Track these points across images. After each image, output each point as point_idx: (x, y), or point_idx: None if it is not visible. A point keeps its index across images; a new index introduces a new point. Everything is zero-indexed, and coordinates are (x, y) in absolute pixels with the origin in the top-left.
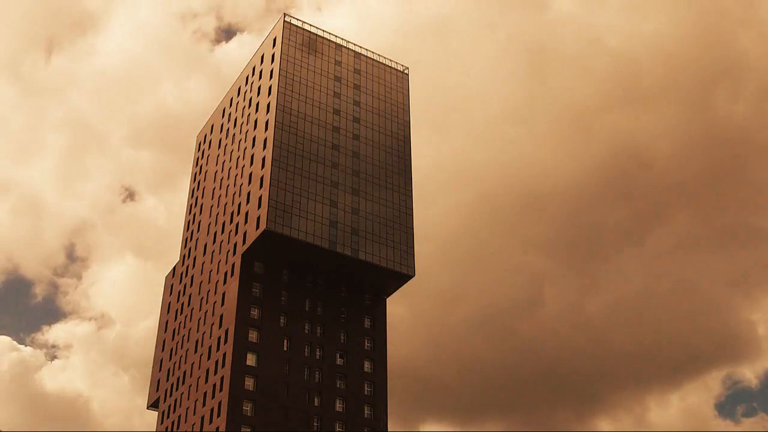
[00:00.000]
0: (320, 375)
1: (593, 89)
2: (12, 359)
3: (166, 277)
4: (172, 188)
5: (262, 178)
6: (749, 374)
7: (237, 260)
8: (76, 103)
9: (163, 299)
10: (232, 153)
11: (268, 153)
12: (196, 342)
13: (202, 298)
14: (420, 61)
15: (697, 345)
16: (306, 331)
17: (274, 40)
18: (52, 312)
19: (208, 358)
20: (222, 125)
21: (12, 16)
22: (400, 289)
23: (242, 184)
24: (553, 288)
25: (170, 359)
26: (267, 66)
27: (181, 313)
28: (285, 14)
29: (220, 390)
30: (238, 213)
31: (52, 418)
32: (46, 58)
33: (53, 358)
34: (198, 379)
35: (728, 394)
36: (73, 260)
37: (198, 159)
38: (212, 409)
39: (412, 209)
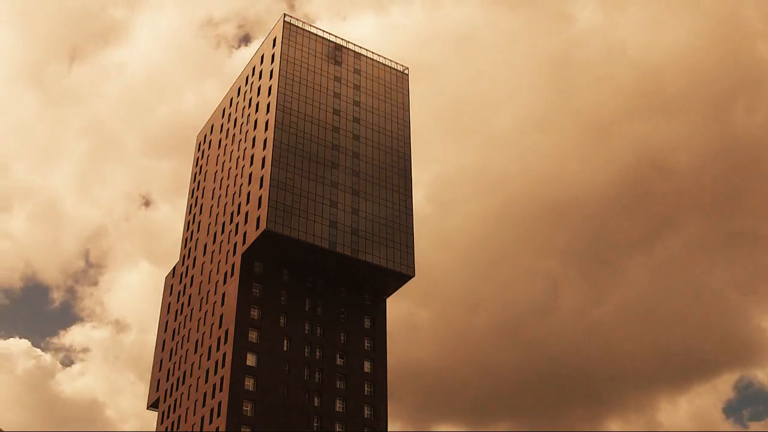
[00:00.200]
0: (320, 375)
1: (614, 99)
2: (29, 363)
3: (165, 278)
4: (186, 196)
5: (262, 178)
6: (761, 376)
7: (237, 260)
8: (96, 111)
9: (163, 299)
10: (232, 153)
11: (268, 153)
12: (196, 342)
13: (202, 299)
14: (443, 70)
15: (707, 349)
16: (306, 331)
17: (274, 40)
18: (69, 317)
19: (208, 358)
20: (222, 125)
21: (38, 24)
22: (421, 292)
23: (242, 184)
24: (568, 293)
25: (170, 359)
26: (267, 66)
27: (181, 313)
28: (285, 14)
29: (220, 390)
30: (238, 213)
31: (68, 423)
32: (69, 67)
33: (70, 363)
34: (198, 379)
35: (737, 397)
36: (90, 266)
37: (198, 159)
38: (212, 409)
39: (412, 209)
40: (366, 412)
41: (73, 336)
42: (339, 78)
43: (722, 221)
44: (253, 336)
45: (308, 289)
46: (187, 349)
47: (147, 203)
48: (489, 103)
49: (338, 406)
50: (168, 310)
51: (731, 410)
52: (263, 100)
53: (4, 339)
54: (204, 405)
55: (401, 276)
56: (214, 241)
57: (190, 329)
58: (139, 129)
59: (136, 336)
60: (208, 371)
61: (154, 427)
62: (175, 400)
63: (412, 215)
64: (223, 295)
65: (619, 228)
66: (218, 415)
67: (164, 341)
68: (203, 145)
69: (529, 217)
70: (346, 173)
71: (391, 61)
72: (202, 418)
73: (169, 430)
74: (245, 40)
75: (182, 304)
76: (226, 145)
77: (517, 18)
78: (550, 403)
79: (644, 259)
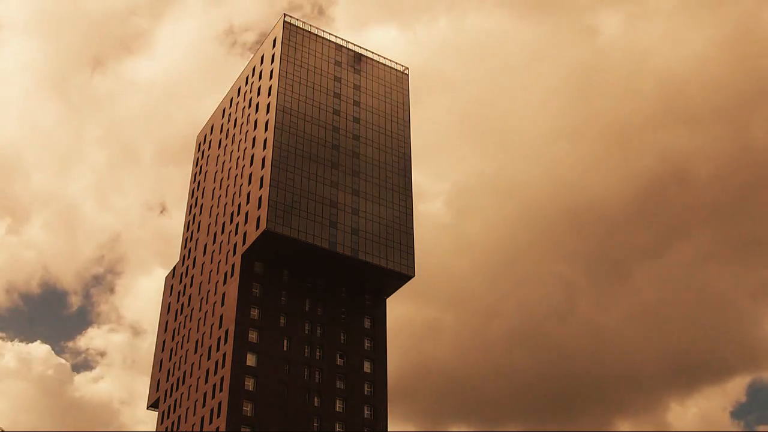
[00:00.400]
0: (320, 375)
1: (637, 109)
2: (47, 368)
3: (166, 278)
4: None
5: (262, 178)
6: None
7: (237, 260)
8: (116, 120)
9: (163, 299)
10: (232, 153)
11: (268, 153)
12: (196, 342)
13: (202, 299)
14: (465, 80)
15: (718, 353)
16: (306, 331)
17: (274, 40)
18: (86, 322)
19: (208, 359)
20: (222, 125)
21: (63, 34)
22: (444, 298)
23: (242, 184)
24: (582, 297)
25: (170, 359)
26: (267, 66)
27: (181, 313)
28: (285, 14)
29: (220, 390)
30: (238, 213)
31: (83, 427)
32: (90, 76)
33: (87, 367)
34: (198, 379)
35: (748, 401)
36: (107, 272)
37: (198, 159)
38: (212, 409)
39: (412, 209)
40: (366, 412)
41: (90, 341)
42: (339, 78)
43: (734, 229)
44: (253, 336)
45: (308, 289)
46: (187, 349)
47: (163, 210)
48: (512, 112)
49: (338, 406)
50: (168, 310)
51: (741, 413)
52: (263, 100)
53: (23, 343)
54: (204, 405)
55: (401, 276)
56: (214, 241)
57: (190, 329)
58: (158, 137)
59: (152, 340)
60: (208, 371)
61: (154, 426)
62: (175, 400)
63: (412, 215)
64: (223, 295)
65: (634, 235)
66: (218, 415)
67: (164, 341)
68: (203, 145)
69: (547, 223)
70: (346, 173)
71: (391, 60)
72: (202, 418)
73: (169, 430)
74: None
75: (182, 304)
76: (226, 145)
77: (541, 29)
78: (562, 405)
79: (657, 264)
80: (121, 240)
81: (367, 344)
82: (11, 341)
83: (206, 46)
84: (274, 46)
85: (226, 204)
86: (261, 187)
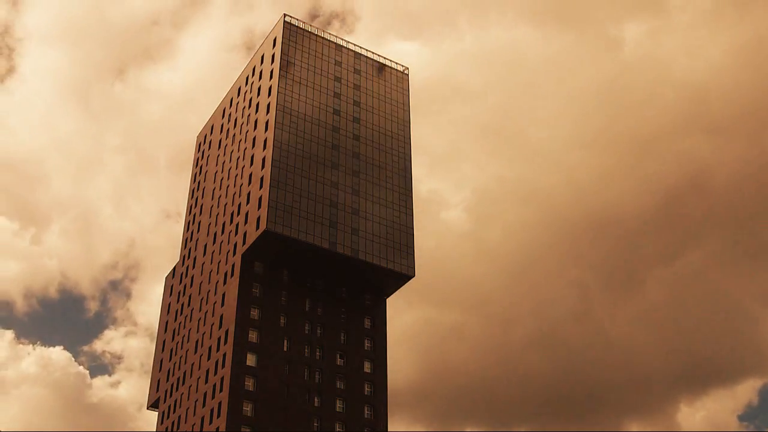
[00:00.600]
0: (320, 375)
1: (658, 118)
2: (64, 372)
3: (166, 278)
4: None
5: (262, 179)
6: None
7: (237, 261)
8: (135, 128)
9: (163, 300)
10: (232, 153)
11: (268, 153)
12: (196, 342)
13: (202, 299)
14: (488, 89)
15: (728, 357)
16: (306, 332)
17: (274, 40)
18: (103, 327)
19: (208, 359)
20: (222, 125)
21: (88, 43)
22: (462, 300)
23: (242, 184)
24: (596, 302)
25: (170, 359)
26: (267, 66)
27: (181, 313)
28: (285, 14)
29: (220, 390)
30: (238, 213)
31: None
32: (113, 84)
33: (104, 371)
34: (198, 379)
35: (758, 404)
36: (124, 277)
37: (198, 159)
38: (212, 409)
39: (412, 209)
40: (366, 412)
41: (107, 345)
42: (339, 78)
43: (747, 235)
44: (253, 336)
45: (308, 289)
46: (187, 350)
47: (178, 217)
48: (532, 120)
49: (338, 406)
50: (168, 310)
51: (750, 416)
52: (263, 100)
53: (42, 347)
54: (204, 405)
55: (401, 276)
56: (214, 242)
57: (190, 329)
58: (174, 145)
59: None
60: (208, 371)
61: (154, 426)
62: (175, 400)
63: (412, 215)
64: (223, 295)
65: (649, 241)
66: (218, 415)
67: (164, 341)
68: (203, 145)
69: (565, 230)
70: (346, 173)
71: (391, 61)
72: (202, 418)
73: (169, 430)
74: None
75: (182, 305)
76: (226, 145)
77: (564, 41)
78: (574, 406)
79: (669, 270)
80: (136, 246)
81: (367, 344)
82: (33, 345)
83: (227, 55)
84: (274, 46)
85: (226, 204)
86: (261, 187)
